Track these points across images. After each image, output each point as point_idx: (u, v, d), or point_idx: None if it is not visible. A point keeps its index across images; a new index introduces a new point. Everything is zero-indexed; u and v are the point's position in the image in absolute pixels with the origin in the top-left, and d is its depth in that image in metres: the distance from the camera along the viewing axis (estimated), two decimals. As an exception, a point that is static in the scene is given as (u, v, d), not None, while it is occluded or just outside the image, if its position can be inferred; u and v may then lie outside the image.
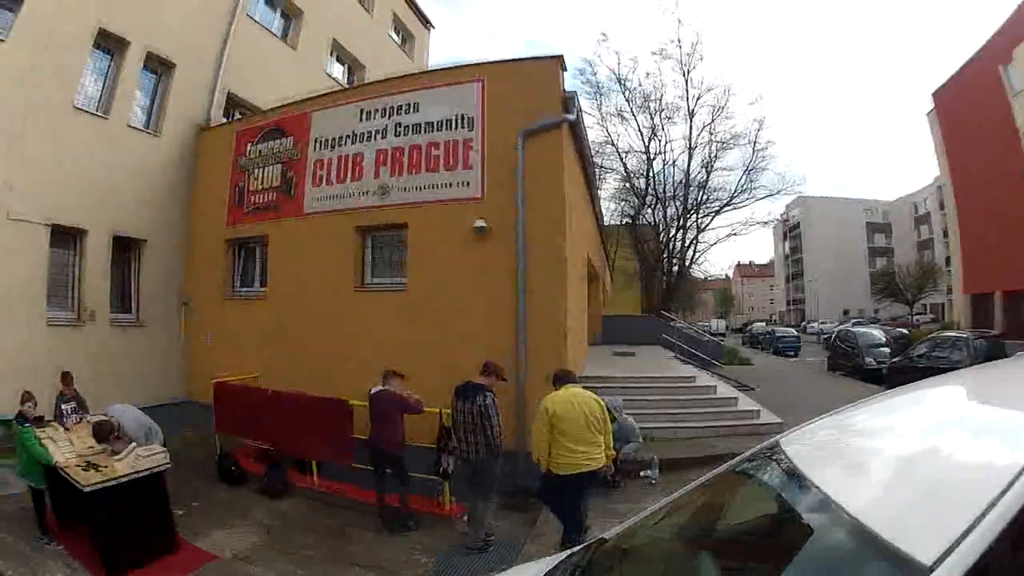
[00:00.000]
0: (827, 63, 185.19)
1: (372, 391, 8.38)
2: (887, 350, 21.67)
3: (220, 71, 14.79)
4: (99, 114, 12.43)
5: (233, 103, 15.68)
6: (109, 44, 12.55)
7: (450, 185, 10.51)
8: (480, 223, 9.91)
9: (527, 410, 9.19)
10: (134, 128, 13.18)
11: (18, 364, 10.32)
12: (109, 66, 12.76)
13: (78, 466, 7.17)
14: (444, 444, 8.35)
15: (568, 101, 10.25)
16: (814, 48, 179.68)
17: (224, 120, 14.86)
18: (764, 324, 62.38)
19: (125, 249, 13.27)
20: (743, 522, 2.68)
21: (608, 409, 7.30)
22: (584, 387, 7.35)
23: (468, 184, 10.38)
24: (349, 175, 11.39)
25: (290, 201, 12.11)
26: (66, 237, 12.06)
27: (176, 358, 13.73)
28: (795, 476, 2.22)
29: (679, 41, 35.03)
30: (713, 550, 2.55)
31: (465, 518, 8.07)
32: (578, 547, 3.39)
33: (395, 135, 11.06)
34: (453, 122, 10.65)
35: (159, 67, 13.76)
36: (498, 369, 7.69)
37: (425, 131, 10.84)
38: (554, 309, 9.85)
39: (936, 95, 38.99)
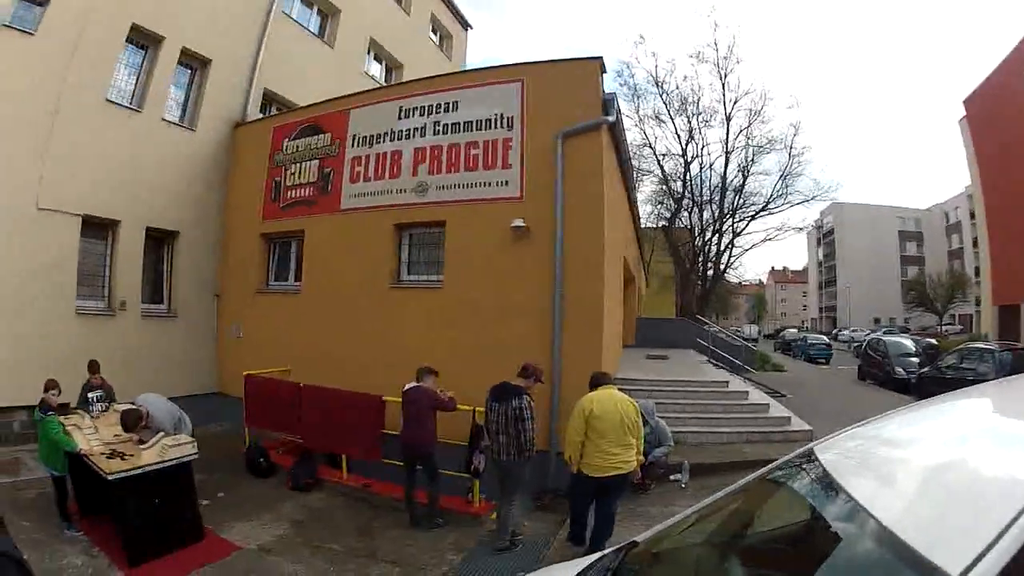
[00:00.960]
0: (861, 66, 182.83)
1: (406, 387, 8.32)
2: (916, 360, 21.37)
3: (256, 68, 14.80)
4: (133, 107, 12.48)
5: (269, 99, 15.72)
6: (143, 39, 12.61)
7: (489, 184, 10.42)
8: (518, 223, 9.81)
9: (560, 411, 9.10)
10: (169, 122, 13.24)
11: (46, 352, 10.42)
12: (143, 61, 12.81)
13: (103, 454, 7.16)
14: (476, 442, 8.23)
15: (608, 103, 10.13)
16: (848, 51, 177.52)
17: (260, 116, 14.89)
18: (796, 331, 61.79)
19: (158, 241, 13.35)
20: (776, 529, 2.66)
21: (640, 412, 7.23)
22: (617, 389, 7.29)
23: (507, 184, 10.29)
24: (387, 172, 11.35)
25: (327, 197, 12.10)
26: (98, 228, 12.15)
27: (208, 350, 13.79)
28: (829, 484, 2.21)
29: (716, 44, 34.91)
30: (745, 557, 2.55)
31: (494, 516, 8.02)
32: (609, 550, 3.37)
33: (434, 133, 11.00)
34: (493, 122, 10.57)
35: (194, 63, 13.81)
36: (537, 372, 7.59)
37: (464, 130, 10.77)
38: (591, 310, 9.71)
39: (967, 102, 38.27)
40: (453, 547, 7.59)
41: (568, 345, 9.59)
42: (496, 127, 10.56)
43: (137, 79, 12.75)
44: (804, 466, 2.56)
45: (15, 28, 10.43)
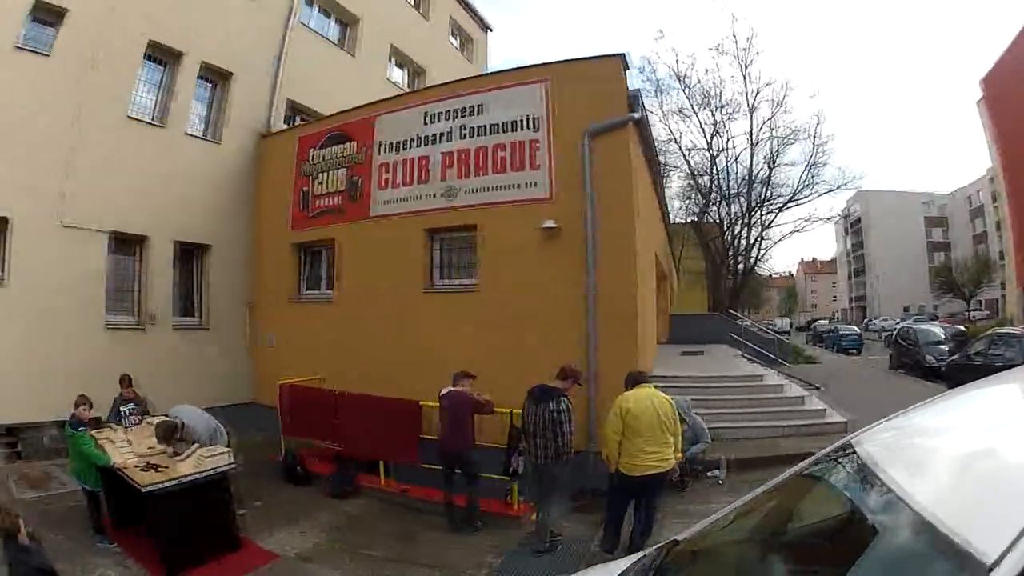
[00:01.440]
0: (877, 48, 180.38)
1: (443, 392, 8.31)
2: (946, 347, 20.99)
3: (278, 79, 14.83)
4: (155, 123, 12.58)
5: (294, 109, 15.77)
6: (161, 55, 12.69)
7: (518, 186, 10.38)
8: (550, 223, 9.76)
9: (597, 411, 9.00)
10: (193, 136, 13.34)
11: (76, 368, 10.46)
12: (163, 77, 12.89)
13: (136, 467, 7.18)
14: (515, 444, 8.18)
15: (633, 99, 10.07)
16: (863, 34, 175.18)
17: (285, 127, 14.95)
18: (827, 322, 61.23)
19: (189, 254, 13.43)
20: (817, 523, 2.61)
21: (677, 409, 7.15)
22: (654, 387, 7.20)
23: (536, 185, 10.24)
24: (416, 178, 11.34)
25: (356, 204, 12.10)
26: (127, 243, 12.24)
27: (242, 361, 13.85)
28: (867, 477, 2.20)
29: (735, 36, 34.59)
30: (786, 553, 2.53)
31: (533, 518, 7.97)
32: (650, 549, 3.36)
33: (461, 137, 10.97)
34: (519, 123, 10.52)
35: (215, 77, 13.89)
36: (575, 373, 7.52)
37: (491, 132, 10.73)
38: (625, 309, 9.64)
39: (984, 82, 37.54)
40: (492, 550, 7.55)
41: (603, 344, 9.51)
42: (523, 128, 10.50)
43: (159, 95, 12.85)
44: (842, 459, 2.54)
45: (28, 50, 10.52)
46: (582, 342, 9.56)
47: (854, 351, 36.05)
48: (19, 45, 10.39)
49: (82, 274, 11.20)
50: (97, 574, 6.84)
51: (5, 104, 10.15)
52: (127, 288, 12.38)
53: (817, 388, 15.34)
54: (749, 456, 9.76)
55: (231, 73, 13.91)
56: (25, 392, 10.25)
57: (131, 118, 12.05)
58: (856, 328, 44.17)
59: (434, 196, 11.10)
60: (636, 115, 10.03)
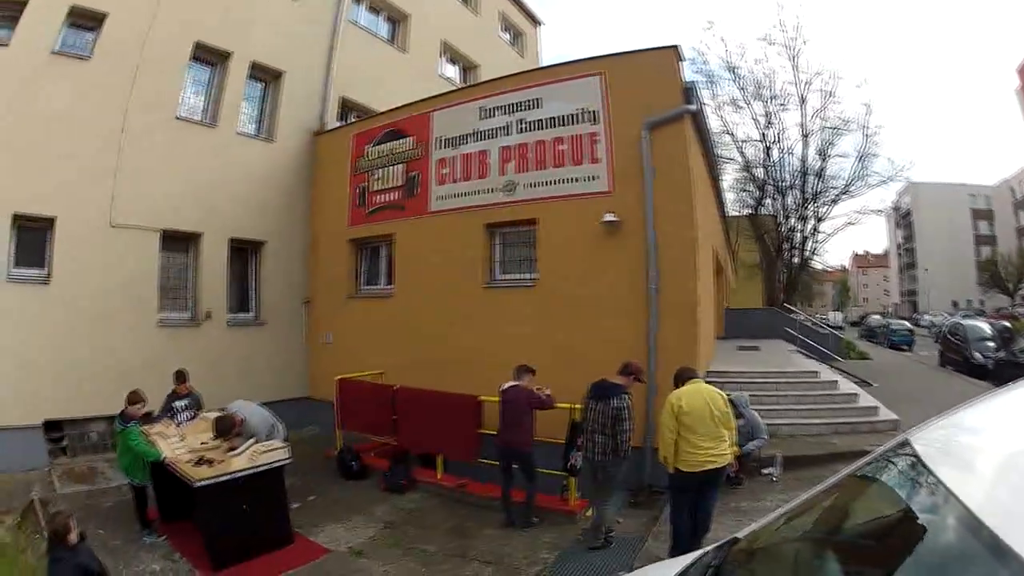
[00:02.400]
0: (917, 36, 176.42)
1: (503, 387, 8.26)
2: (993, 344, 20.42)
3: (330, 77, 14.92)
4: (206, 123, 12.71)
5: (347, 107, 15.83)
6: (208, 56, 12.81)
7: (577, 180, 10.28)
8: (610, 217, 9.65)
9: (656, 408, 8.87)
10: (245, 135, 13.45)
11: (127, 365, 10.59)
12: (212, 77, 13.01)
13: (188, 461, 7.25)
14: (574, 440, 8.10)
15: (689, 91, 9.87)
16: (903, 23, 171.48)
17: (339, 124, 15.00)
18: (879, 317, 60.10)
19: (243, 251, 13.55)
20: (873, 523, 2.55)
21: (734, 404, 7.05)
22: (710, 382, 7.11)
23: (596, 178, 10.13)
24: (474, 173, 11.30)
25: (414, 200, 12.12)
26: (179, 241, 12.37)
27: (297, 356, 13.96)
28: (924, 475, 2.17)
29: (782, 25, 34.12)
30: (844, 552, 2.47)
31: (588, 514, 7.92)
32: (710, 547, 3.30)
33: (518, 131, 10.91)
34: (577, 116, 10.40)
35: (266, 76, 13.99)
36: (637, 370, 7.44)
37: (548, 126, 10.65)
38: (685, 303, 9.48)
39: (1022, 71, 36.48)
40: (548, 546, 7.50)
41: (663, 340, 9.35)
42: (580, 122, 10.38)
43: (208, 95, 12.97)
44: (899, 458, 2.49)
45: (66, 54, 10.62)
46: (642, 337, 9.41)
47: (905, 347, 35.31)
48: (56, 50, 10.48)
49: (133, 272, 11.34)
50: (143, 568, 6.90)
51: (46, 108, 10.26)
52: (180, 285, 12.52)
53: (869, 384, 15.08)
54: (803, 453, 9.60)
55: (281, 72, 13.98)
56: (72, 388, 10.40)
57: (180, 118, 12.16)
58: (907, 323, 43.28)
59: (493, 191, 11.05)
60: (693, 107, 9.85)
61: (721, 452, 6.47)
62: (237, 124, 13.26)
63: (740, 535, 3.11)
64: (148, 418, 8.07)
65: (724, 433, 6.52)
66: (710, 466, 6.42)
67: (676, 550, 6.60)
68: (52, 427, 10.44)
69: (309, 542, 7.68)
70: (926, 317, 59.50)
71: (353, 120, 15.29)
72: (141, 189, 11.37)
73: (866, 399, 12.10)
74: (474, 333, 11.04)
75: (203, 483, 6.81)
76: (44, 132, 10.25)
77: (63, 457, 10.40)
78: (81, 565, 4.97)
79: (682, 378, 6.83)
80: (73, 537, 4.99)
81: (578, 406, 7.68)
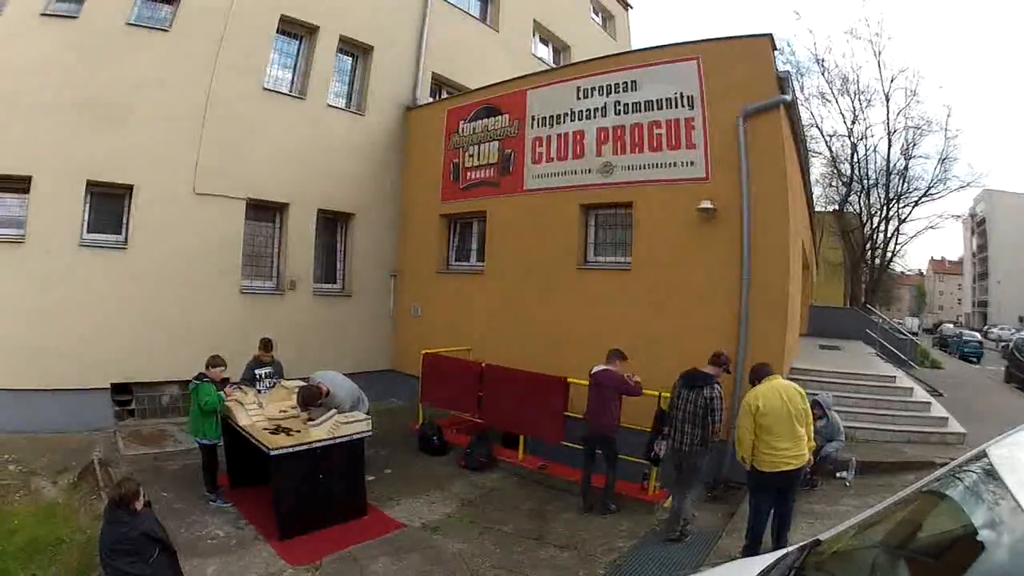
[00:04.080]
0: (994, 39, 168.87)
1: (594, 370, 8.24)
2: None
3: (421, 52, 14.97)
4: (294, 94, 12.85)
5: (439, 83, 15.88)
6: (294, 29, 12.92)
7: (674, 165, 10.16)
8: (706, 204, 9.53)
9: (741, 401, 8.85)
10: (335, 108, 13.54)
11: (209, 331, 10.83)
12: (299, 49, 13.15)
13: (266, 429, 7.30)
14: (659, 428, 7.99)
15: (783, 81, 9.65)
16: (981, 25, 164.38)
17: (431, 100, 15.08)
18: (952, 326, 58.36)
19: (332, 222, 13.74)
20: (949, 537, 2.51)
21: (820, 404, 6.94)
22: (792, 379, 7.07)
23: (692, 164, 9.99)
24: (570, 153, 11.24)
25: (509, 178, 12.13)
26: (266, 211, 12.57)
27: (383, 329, 14.14)
28: (999, 489, 2.16)
29: (867, 20, 33.43)
30: (922, 567, 2.45)
31: (667, 504, 7.88)
32: (792, 547, 3.31)
33: (615, 113, 10.80)
34: (673, 101, 10.26)
35: (355, 50, 14.09)
36: (727, 361, 7.39)
37: (645, 109, 10.51)
38: (776, 296, 9.35)
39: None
40: (624, 534, 7.48)
41: (753, 332, 9.24)
42: (677, 106, 10.25)
43: (295, 67, 13.12)
44: (977, 470, 2.48)
45: (143, 26, 10.78)
46: (732, 329, 9.30)
47: (974, 359, 34.37)
48: (131, 22, 10.65)
49: (217, 240, 11.55)
50: (206, 532, 6.96)
51: (122, 78, 10.44)
52: (265, 254, 12.73)
53: (939, 394, 14.76)
54: (876, 460, 9.46)
55: (371, 47, 14.07)
56: (144, 353, 10.69)
57: (267, 89, 12.32)
58: (978, 335, 42.06)
59: (589, 172, 10.98)
60: (787, 97, 9.66)
61: (798, 452, 6.37)
62: (327, 97, 13.38)
63: (823, 537, 3.11)
64: (225, 383, 8.11)
65: (802, 432, 6.42)
66: (787, 467, 6.33)
67: (751, 549, 6.56)
68: (121, 390, 10.72)
69: (383, 515, 7.74)
70: (994, 330, 57.57)
71: (445, 96, 15.39)
72: (227, 158, 11.59)
73: (938, 409, 11.84)
74: (564, 313, 11.03)
75: (279, 451, 6.86)
76: (122, 102, 10.47)
77: (131, 419, 10.67)
78: (143, 531, 4.97)
79: (759, 375, 6.73)
80: (138, 504, 4.99)
81: (666, 394, 7.64)
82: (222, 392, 7.76)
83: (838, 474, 9.02)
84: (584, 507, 8.18)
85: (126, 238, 10.71)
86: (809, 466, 6.83)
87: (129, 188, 10.72)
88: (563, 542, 7.23)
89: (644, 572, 6.63)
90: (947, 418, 11.36)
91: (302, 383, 8.18)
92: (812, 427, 6.75)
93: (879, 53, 30.41)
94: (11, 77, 9.69)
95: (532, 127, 11.84)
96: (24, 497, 7.75)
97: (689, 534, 7.31)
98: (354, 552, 6.69)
